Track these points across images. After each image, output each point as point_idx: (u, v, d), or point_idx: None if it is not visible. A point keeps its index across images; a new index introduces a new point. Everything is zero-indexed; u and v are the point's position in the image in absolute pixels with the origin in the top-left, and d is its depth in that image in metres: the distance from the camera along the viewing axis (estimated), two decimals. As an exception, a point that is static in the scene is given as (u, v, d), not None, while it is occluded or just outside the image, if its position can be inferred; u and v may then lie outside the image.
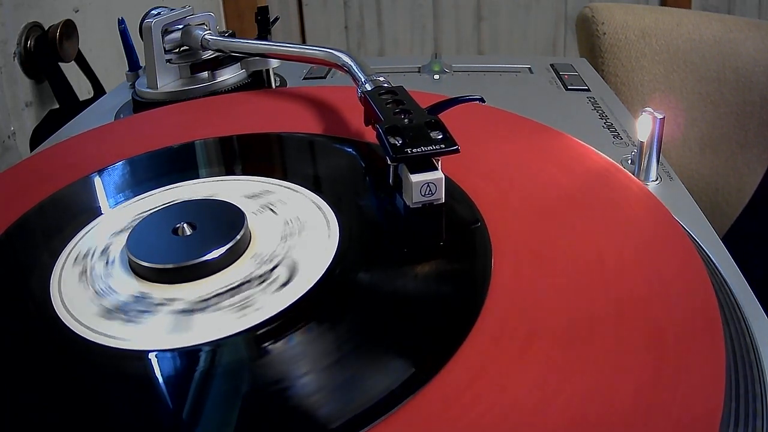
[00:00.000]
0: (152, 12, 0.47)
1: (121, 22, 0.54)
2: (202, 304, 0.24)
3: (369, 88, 0.33)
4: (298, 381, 0.20)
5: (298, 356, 0.21)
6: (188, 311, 0.23)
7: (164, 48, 0.47)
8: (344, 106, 0.40)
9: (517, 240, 0.26)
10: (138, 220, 0.29)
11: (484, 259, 0.25)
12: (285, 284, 0.24)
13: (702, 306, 0.22)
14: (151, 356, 0.22)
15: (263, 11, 0.49)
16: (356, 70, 0.36)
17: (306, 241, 0.27)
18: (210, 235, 0.26)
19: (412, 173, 0.27)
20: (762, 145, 0.72)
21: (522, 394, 0.19)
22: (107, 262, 0.27)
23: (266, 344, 0.22)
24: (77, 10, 0.73)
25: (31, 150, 0.62)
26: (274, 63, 0.48)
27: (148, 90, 0.47)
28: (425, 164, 0.27)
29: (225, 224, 0.27)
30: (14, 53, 0.62)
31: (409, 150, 0.26)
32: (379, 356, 0.21)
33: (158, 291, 0.25)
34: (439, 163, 0.27)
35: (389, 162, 0.27)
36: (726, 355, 0.20)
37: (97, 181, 0.34)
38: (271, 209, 0.29)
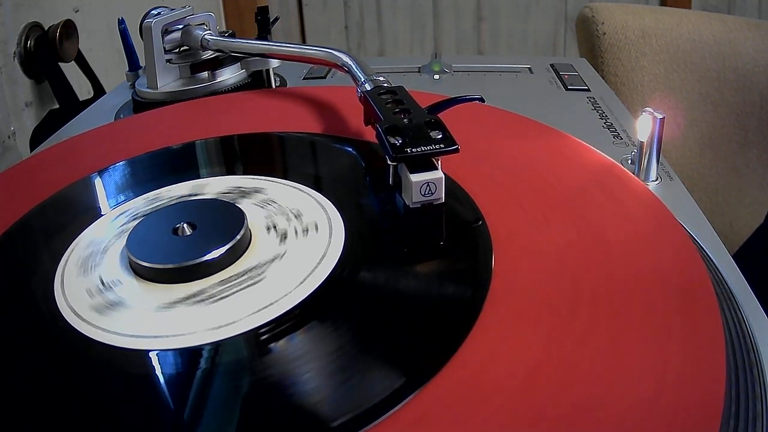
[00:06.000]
0: (152, 12, 0.47)
1: (121, 22, 0.54)
2: (226, 287, 0.24)
3: (369, 88, 0.33)
4: (301, 379, 0.20)
5: (301, 355, 0.21)
6: (215, 296, 0.24)
7: (164, 48, 0.47)
8: (344, 106, 0.40)
9: (517, 239, 0.26)
10: (136, 222, 0.29)
11: (485, 258, 0.25)
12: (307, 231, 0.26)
13: (702, 306, 0.22)
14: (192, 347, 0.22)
15: (263, 11, 0.49)
16: (356, 69, 0.36)
17: (306, 240, 0.27)
18: (211, 234, 0.26)
19: (411, 173, 0.27)
20: (762, 145, 0.72)
21: (522, 393, 0.19)
22: (108, 267, 0.27)
23: (268, 344, 0.22)
24: (77, 10, 0.73)
25: (31, 150, 0.62)
26: (274, 63, 0.48)
27: (148, 90, 0.47)
28: (425, 164, 0.27)
29: (225, 223, 0.27)
30: (14, 53, 0.62)
31: (408, 150, 0.26)
32: (379, 355, 0.21)
33: (174, 290, 0.25)
34: (439, 162, 0.27)
35: (389, 162, 0.27)
36: (726, 356, 0.20)
37: (98, 181, 0.34)
38: (270, 206, 0.29)
